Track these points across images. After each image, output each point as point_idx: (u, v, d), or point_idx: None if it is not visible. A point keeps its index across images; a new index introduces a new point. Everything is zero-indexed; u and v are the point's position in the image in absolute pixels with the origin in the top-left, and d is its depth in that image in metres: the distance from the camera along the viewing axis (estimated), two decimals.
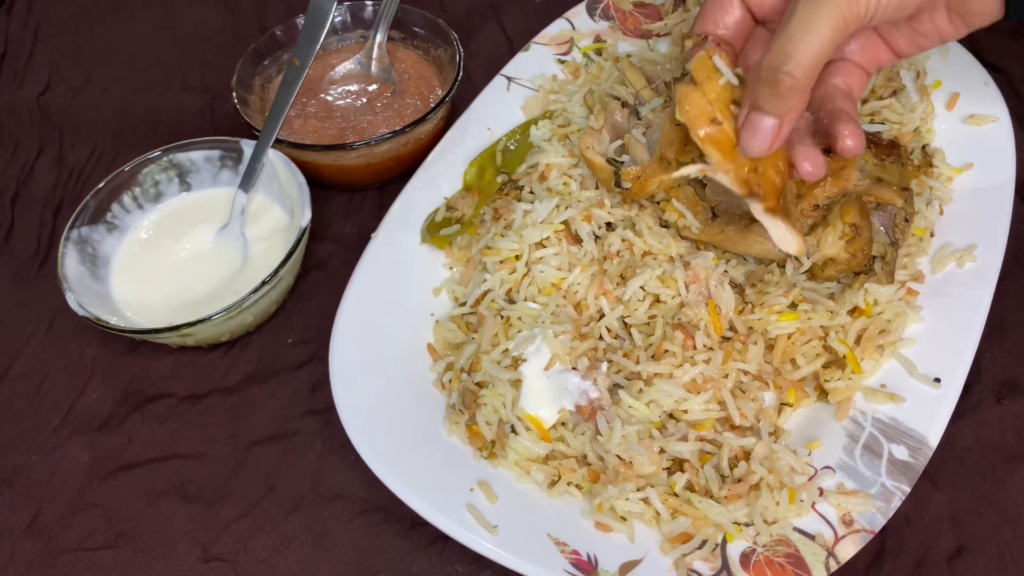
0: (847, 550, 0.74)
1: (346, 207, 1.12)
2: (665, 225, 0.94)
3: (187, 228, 1.04)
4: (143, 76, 1.32)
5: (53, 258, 1.06)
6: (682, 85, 0.77)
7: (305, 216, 0.96)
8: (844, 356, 0.85)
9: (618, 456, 0.80)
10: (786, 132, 0.72)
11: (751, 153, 0.73)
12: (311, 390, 0.95)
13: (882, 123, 0.99)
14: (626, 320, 0.89)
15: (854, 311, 0.87)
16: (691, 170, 0.79)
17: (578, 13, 1.19)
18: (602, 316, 0.89)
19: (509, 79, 1.12)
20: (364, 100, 1.15)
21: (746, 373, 0.85)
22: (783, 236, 0.80)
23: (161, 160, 1.05)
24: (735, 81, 0.76)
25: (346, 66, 1.19)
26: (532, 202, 0.97)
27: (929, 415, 0.80)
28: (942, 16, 0.72)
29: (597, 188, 0.98)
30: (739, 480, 0.79)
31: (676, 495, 0.78)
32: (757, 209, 0.79)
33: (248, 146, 1.04)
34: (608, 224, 0.95)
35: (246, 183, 1.03)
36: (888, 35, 0.77)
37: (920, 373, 0.83)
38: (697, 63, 0.76)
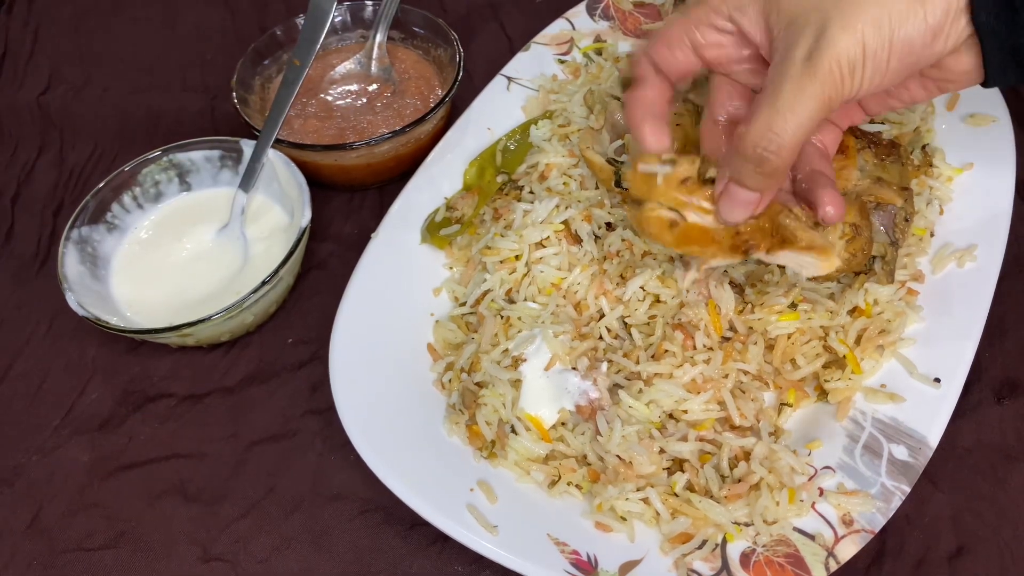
0: (847, 550, 0.74)
1: (346, 207, 1.12)
2: None
3: (187, 228, 1.04)
4: (143, 76, 1.32)
5: (53, 258, 1.06)
6: (628, 209, 0.76)
7: (305, 216, 0.96)
8: (844, 356, 0.85)
9: (618, 456, 0.80)
10: (767, 201, 0.71)
11: (732, 221, 0.72)
12: (311, 390, 0.95)
13: (882, 123, 0.99)
14: (626, 320, 0.89)
15: (854, 311, 0.87)
16: (691, 279, 0.80)
17: (578, 13, 1.19)
18: (602, 316, 0.89)
19: (509, 79, 1.12)
20: (364, 100, 1.15)
21: (746, 373, 0.85)
22: (802, 263, 0.76)
23: (161, 160, 1.05)
24: (668, 170, 0.72)
25: (346, 66, 1.19)
26: (532, 202, 0.97)
27: (929, 415, 0.80)
28: (916, 83, 0.73)
29: (597, 188, 0.98)
30: (739, 480, 0.79)
31: (676, 495, 0.78)
32: (760, 256, 0.76)
33: (248, 146, 1.04)
34: (608, 224, 0.95)
35: (246, 183, 1.03)
36: (862, 99, 0.77)
37: (920, 373, 0.83)
38: (632, 182, 0.74)
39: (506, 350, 0.87)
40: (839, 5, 0.63)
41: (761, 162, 0.66)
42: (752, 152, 0.66)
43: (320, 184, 1.08)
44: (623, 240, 0.92)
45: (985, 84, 0.68)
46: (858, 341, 0.86)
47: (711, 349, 0.85)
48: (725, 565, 0.75)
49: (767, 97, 0.65)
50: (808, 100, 0.64)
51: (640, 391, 0.83)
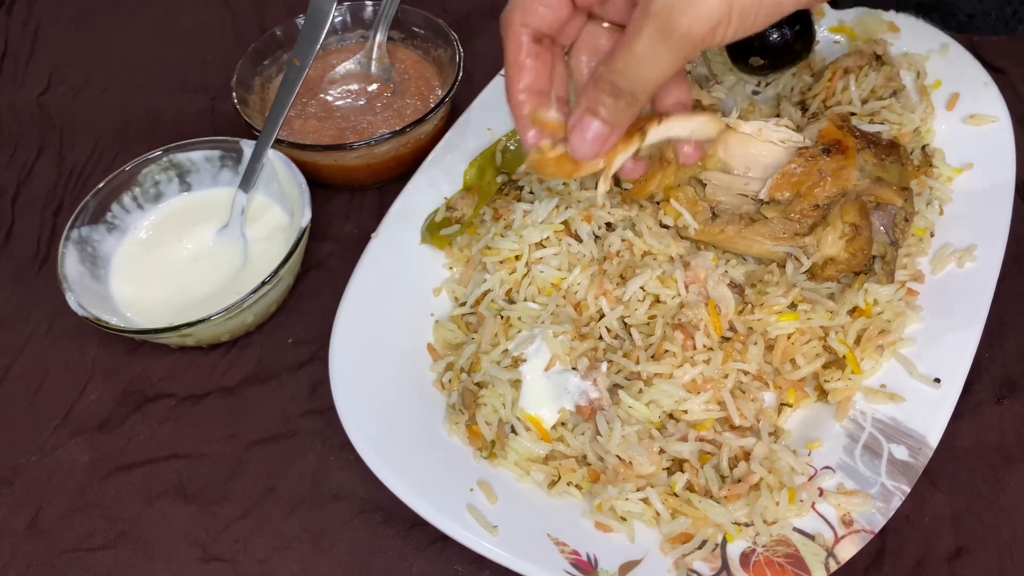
0: (847, 550, 0.74)
1: (346, 207, 1.12)
2: (665, 226, 0.94)
3: (187, 228, 1.04)
4: (143, 76, 1.32)
5: (53, 258, 1.06)
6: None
7: (305, 216, 0.96)
8: (844, 356, 0.85)
9: (618, 456, 0.80)
10: (615, 139, 0.73)
11: (582, 155, 0.73)
12: (311, 390, 0.95)
13: (882, 123, 0.99)
14: (626, 320, 0.89)
15: (854, 311, 0.87)
16: (603, 191, 0.81)
17: None
18: (602, 316, 0.89)
19: None
20: (364, 100, 1.15)
21: (746, 373, 0.85)
22: (692, 128, 0.79)
23: (161, 160, 1.05)
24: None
25: (346, 66, 1.19)
26: (532, 202, 0.97)
27: (929, 415, 0.80)
28: None
29: (597, 188, 0.97)
30: (739, 480, 0.79)
31: (676, 495, 0.78)
32: (653, 132, 0.78)
33: (248, 146, 1.04)
34: (608, 224, 0.95)
35: (246, 183, 1.03)
36: None
37: (920, 373, 0.83)
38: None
39: (506, 350, 0.87)
40: None
41: (617, 96, 0.68)
42: (608, 86, 0.68)
43: (320, 184, 1.08)
44: (623, 240, 0.92)
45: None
46: (858, 341, 0.86)
47: (711, 349, 0.85)
48: (725, 565, 0.75)
49: (626, 42, 0.66)
50: (663, 58, 0.65)
51: (640, 391, 0.83)
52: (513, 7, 0.74)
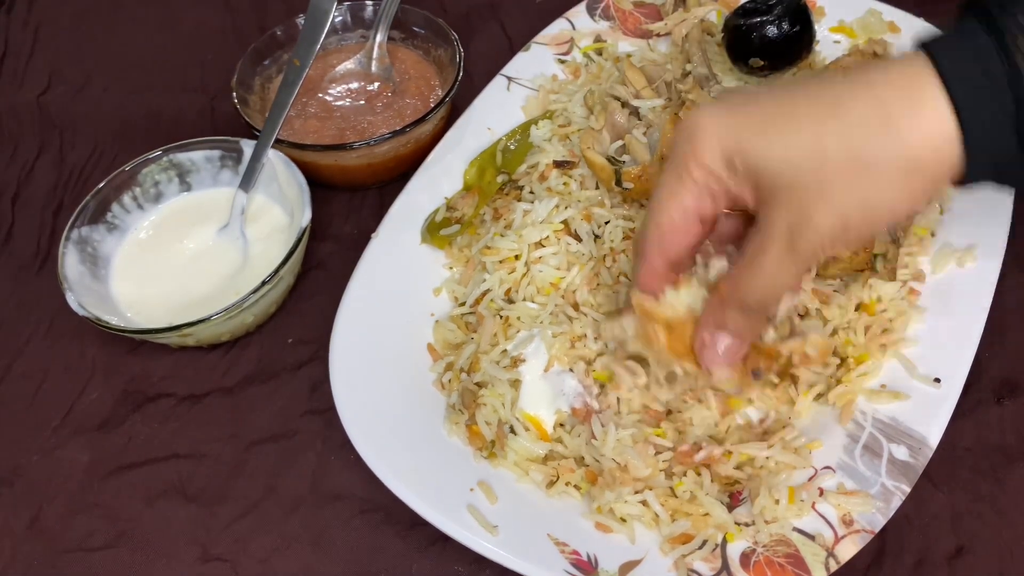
0: (847, 550, 0.74)
1: (346, 207, 1.12)
2: None
3: (187, 228, 1.04)
4: (143, 76, 1.32)
5: (53, 258, 1.06)
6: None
7: (305, 216, 0.96)
8: (848, 359, 0.84)
9: (614, 460, 0.79)
10: (743, 353, 0.75)
11: (718, 370, 0.75)
12: (311, 390, 0.95)
13: None
14: None
15: (858, 308, 0.87)
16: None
17: (578, 13, 1.19)
18: None
19: (509, 79, 1.12)
20: (364, 100, 1.15)
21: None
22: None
23: (161, 160, 1.05)
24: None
25: (346, 66, 1.19)
26: (532, 202, 0.97)
27: (929, 415, 0.80)
28: None
29: (597, 188, 0.98)
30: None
31: (676, 496, 0.78)
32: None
33: (248, 146, 1.04)
34: (607, 224, 0.95)
35: (246, 183, 1.03)
36: None
37: (920, 373, 0.83)
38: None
39: (505, 351, 0.87)
40: (823, 188, 0.64)
41: (746, 311, 0.72)
42: (737, 305, 0.72)
43: (320, 184, 1.08)
44: (623, 237, 0.92)
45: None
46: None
47: None
48: (725, 565, 0.75)
49: (751, 262, 0.70)
50: (789, 271, 0.69)
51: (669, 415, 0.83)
52: (649, 234, 0.75)
